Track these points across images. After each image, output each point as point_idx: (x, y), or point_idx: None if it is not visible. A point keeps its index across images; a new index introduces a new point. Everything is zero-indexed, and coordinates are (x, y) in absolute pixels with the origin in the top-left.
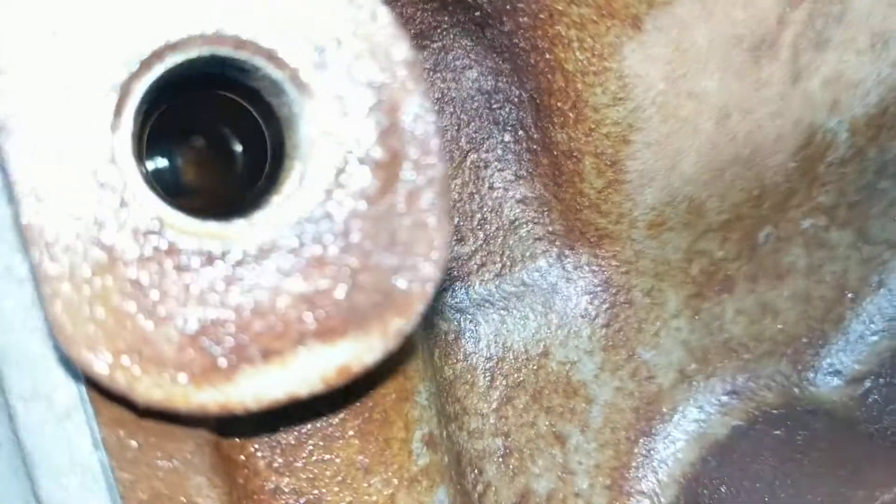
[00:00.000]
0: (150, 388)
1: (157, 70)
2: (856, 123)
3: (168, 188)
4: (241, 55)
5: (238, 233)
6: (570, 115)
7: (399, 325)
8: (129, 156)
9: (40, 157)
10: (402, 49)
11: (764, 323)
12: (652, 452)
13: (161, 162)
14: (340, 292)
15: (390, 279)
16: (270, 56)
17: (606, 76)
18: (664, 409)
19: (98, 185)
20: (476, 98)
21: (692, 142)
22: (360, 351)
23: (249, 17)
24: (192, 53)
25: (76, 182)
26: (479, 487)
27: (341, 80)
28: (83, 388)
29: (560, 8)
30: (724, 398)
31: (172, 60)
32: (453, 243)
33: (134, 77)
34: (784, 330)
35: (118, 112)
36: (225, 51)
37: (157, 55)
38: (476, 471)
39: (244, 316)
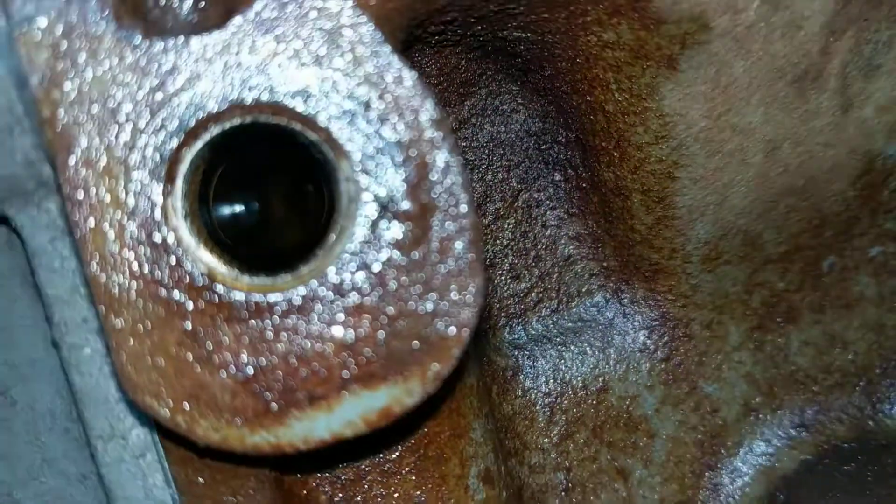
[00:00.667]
0: (208, 431)
1: (204, 137)
2: None
3: (249, 227)
4: (279, 121)
5: (284, 285)
6: (615, 154)
7: (437, 369)
8: (181, 217)
9: (103, 223)
10: (427, 108)
11: (833, 354)
12: (718, 487)
13: (238, 207)
14: (380, 339)
15: (427, 325)
16: (305, 121)
17: (647, 115)
18: (729, 443)
19: (153, 245)
20: (525, 140)
21: (741, 175)
22: (400, 394)
23: (286, 86)
24: (235, 122)
25: (135, 243)
26: None
27: (371, 140)
28: (154, 430)
29: (595, 52)
30: (793, 432)
31: (217, 129)
32: (509, 282)
33: (182, 146)
34: (855, 361)
35: (170, 178)
36: (264, 118)
37: (202, 125)
38: None
39: (291, 363)
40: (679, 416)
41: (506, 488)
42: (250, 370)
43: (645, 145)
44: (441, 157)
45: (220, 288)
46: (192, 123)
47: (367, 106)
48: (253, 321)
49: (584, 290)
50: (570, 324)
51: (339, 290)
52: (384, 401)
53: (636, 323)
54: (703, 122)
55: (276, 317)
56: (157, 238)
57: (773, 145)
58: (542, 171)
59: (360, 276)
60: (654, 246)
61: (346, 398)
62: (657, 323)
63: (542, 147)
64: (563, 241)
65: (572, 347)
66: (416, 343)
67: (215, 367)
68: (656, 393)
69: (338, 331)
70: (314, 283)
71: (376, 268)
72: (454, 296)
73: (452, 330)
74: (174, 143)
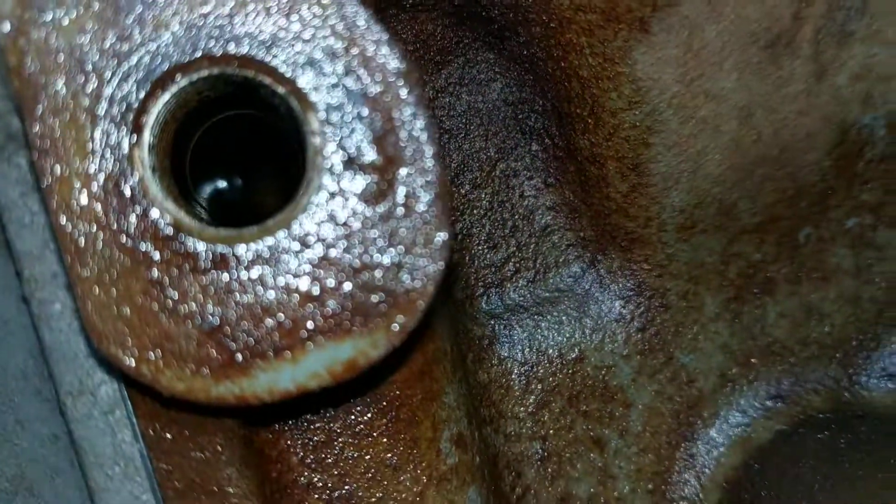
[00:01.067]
0: (172, 381)
1: (172, 89)
2: (893, 119)
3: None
4: (246, 73)
5: (250, 237)
6: (590, 120)
7: (402, 321)
8: (148, 168)
9: (69, 172)
10: (394, 60)
11: (809, 326)
12: (694, 457)
13: (221, 183)
14: (345, 291)
15: (393, 278)
16: (272, 72)
17: (620, 80)
18: (706, 414)
19: (119, 195)
20: (502, 109)
21: (715, 142)
22: (366, 346)
23: (252, 38)
24: (202, 73)
25: (102, 194)
26: (518, 490)
27: (336, 91)
28: (122, 386)
29: (568, 16)
30: (769, 403)
31: (185, 80)
32: (486, 251)
33: (149, 96)
34: (832, 333)
35: (137, 128)
36: (231, 70)
37: (169, 76)
38: (514, 474)
39: (256, 314)
40: (655, 387)
41: (479, 454)
42: (216, 320)
43: (619, 111)
44: (407, 110)
45: (185, 238)
46: (159, 73)
47: (332, 56)
48: (219, 272)
49: (560, 260)
50: (546, 293)
51: (304, 242)
52: (349, 353)
53: (612, 293)
54: (676, 87)
55: (241, 268)
56: (124, 188)
57: (747, 112)
58: (520, 141)
59: (326, 228)
60: (629, 214)
61: (310, 350)
62: (633, 293)
63: (520, 116)
64: (540, 211)
65: (549, 317)
66: (381, 295)
67: (180, 317)
68: (633, 363)
69: (303, 282)
70: (280, 234)
71: (342, 219)
72: (419, 249)
73: (418, 283)
74: (141, 93)
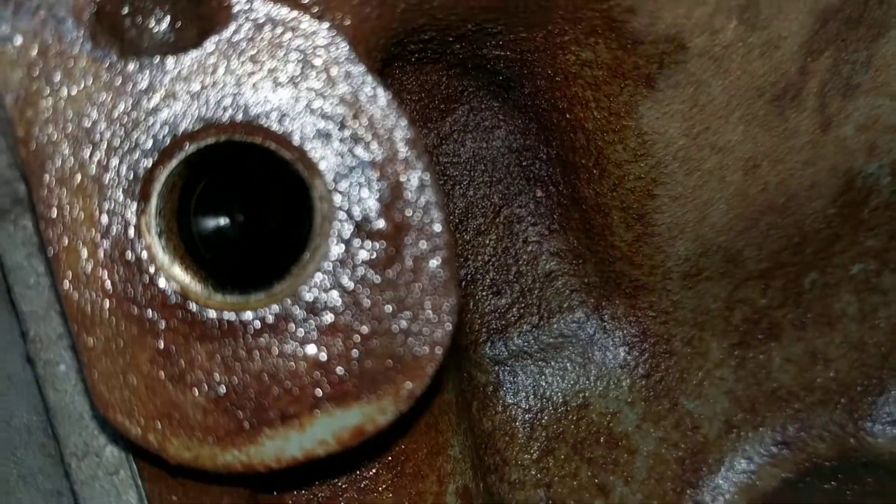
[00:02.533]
0: (179, 450)
1: (179, 156)
2: None
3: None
4: (253, 140)
5: (257, 303)
6: (595, 171)
7: (410, 387)
8: (154, 235)
9: (76, 242)
10: (401, 127)
11: (815, 371)
12: None
13: (223, 219)
14: (353, 357)
15: (401, 344)
16: (279, 140)
17: (625, 133)
18: (710, 460)
19: (126, 263)
20: (506, 156)
21: (721, 193)
22: (373, 413)
23: (260, 106)
24: (209, 141)
25: (108, 262)
26: None
27: (345, 159)
28: (128, 448)
29: (574, 71)
30: (774, 449)
31: (192, 147)
32: (490, 297)
33: (157, 165)
34: (837, 378)
35: (144, 196)
36: (238, 137)
37: (177, 144)
38: None
39: (264, 381)
40: (660, 433)
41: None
42: (223, 389)
43: (624, 163)
44: (415, 176)
45: (192, 306)
46: (167, 143)
47: (341, 125)
48: (225, 340)
49: (564, 305)
50: (550, 339)
51: (312, 309)
52: (357, 419)
53: (617, 339)
54: (682, 140)
55: (248, 335)
56: (130, 256)
57: (753, 163)
58: (524, 188)
59: (334, 295)
60: (634, 263)
61: (318, 417)
62: (638, 339)
63: (524, 163)
64: (544, 257)
65: (553, 363)
66: (389, 362)
67: (187, 386)
68: (637, 409)
69: (311, 349)
70: (287, 301)
71: (350, 286)
72: (428, 314)
73: (426, 349)
74: (148, 162)
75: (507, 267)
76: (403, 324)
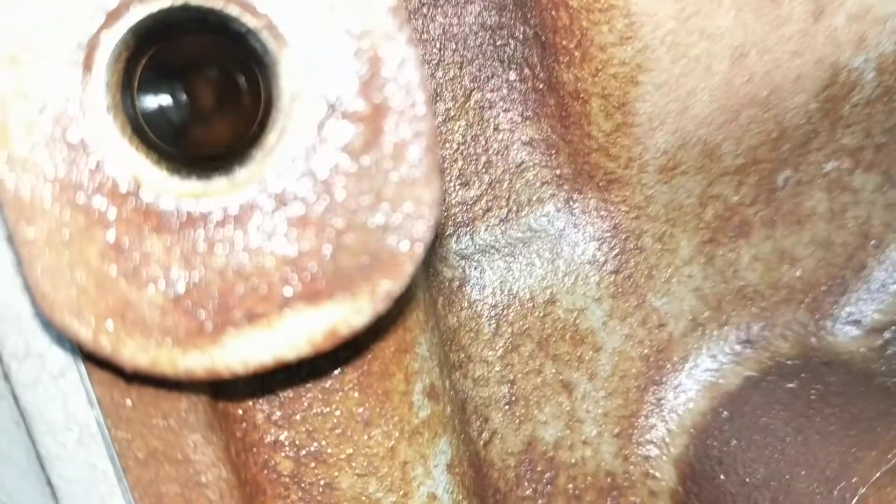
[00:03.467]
0: (135, 353)
1: (128, 21)
2: (884, 61)
3: (178, 122)
4: (213, 4)
5: (219, 191)
6: (576, 54)
7: (387, 286)
8: (102, 111)
9: (7, 118)
10: None
11: (781, 270)
12: (662, 401)
13: (165, 98)
14: (326, 253)
15: (378, 239)
16: (243, 4)
17: (612, 13)
18: (675, 358)
19: (69, 144)
20: (479, 34)
21: (705, 83)
22: (348, 313)
23: None
24: (164, 4)
25: (47, 142)
26: (485, 435)
27: (318, 29)
28: (75, 348)
29: None
30: (738, 347)
31: (142, 11)
32: (458, 189)
33: (101, 29)
34: (802, 277)
35: (87, 66)
36: (196, 1)
37: (124, 6)
38: (481, 419)
39: (228, 278)
40: (626, 330)
41: (450, 403)
42: (182, 286)
43: (609, 46)
44: (396, 51)
45: (146, 194)
46: (114, 4)
47: None
48: (184, 232)
49: (534, 198)
50: (519, 234)
51: (280, 199)
52: (330, 320)
53: (587, 234)
54: (671, 23)
55: (210, 227)
56: (74, 136)
57: (741, 52)
58: (497, 70)
59: (305, 184)
60: (610, 154)
61: (288, 317)
62: (608, 234)
63: (498, 43)
64: (515, 147)
65: (521, 258)
66: (365, 258)
67: (143, 282)
68: (604, 306)
69: (279, 244)
70: (252, 189)
71: (322, 175)
72: (407, 207)
73: (405, 245)
74: (93, 26)
75: (477, 156)
76: (381, 217)
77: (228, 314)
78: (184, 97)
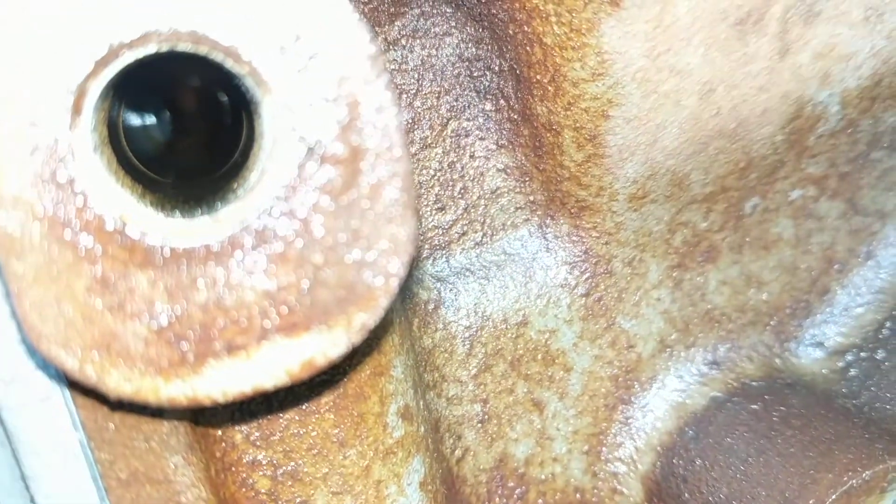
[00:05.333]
0: (119, 382)
1: (116, 66)
2: (847, 95)
3: (162, 138)
4: (199, 50)
5: (202, 229)
6: (549, 88)
7: (363, 319)
8: (89, 152)
9: (4, 160)
10: (363, 42)
11: (748, 293)
12: (630, 420)
13: (149, 117)
14: (304, 287)
15: (354, 274)
16: (228, 52)
17: (585, 51)
18: (643, 378)
19: (58, 184)
20: (457, 65)
21: (674, 117)
22: (324, 345)
23: (207, 13)
24: (150, 50)
25: (37, 182)
26: (458, 452)
27: (300, 76)
28: (61, 374)
29: None
30: (705, 368)
31: (130, 57)
32: (434, 213)
33: (90, 77)
34: (768, 301)
35: (76, 111)
36: (183, 46)
37: (113, 54)
38: (454, 436)
39: (209, 311)
40: (596, 351)
41: (423, 422)
42: (165, 319)
43: (581, 82)
44: (375, 96)
45: (132, 230)
46: (103, 52)
47: (296, 38)
48: (168, 267)
49: (509, 223)
50: (493, 257)
51: (261, 237)
52: (307, 351)
53: (559, 258)
54: (642, 61)
55: (193, 263)
56: (63, 176)
57: (709, 87)
58: (473, 100)
59: (285, 223)
60: (581, 183)
61: (266, 348)
62: (580, 259)
63: (475, 74)
64: (490, 173)
65: (495, 281)
66: (341, 292)
67: (127, 315)
68: (575, 328)
69: (259, 279)
70: (234, 227)
71: (301, 214)
72: (383, 244)
73: (380, 280)
74: (82, 73)
75: (453, 182)
76: (357, 253)
77: (209, 345)
78: (167, 114)
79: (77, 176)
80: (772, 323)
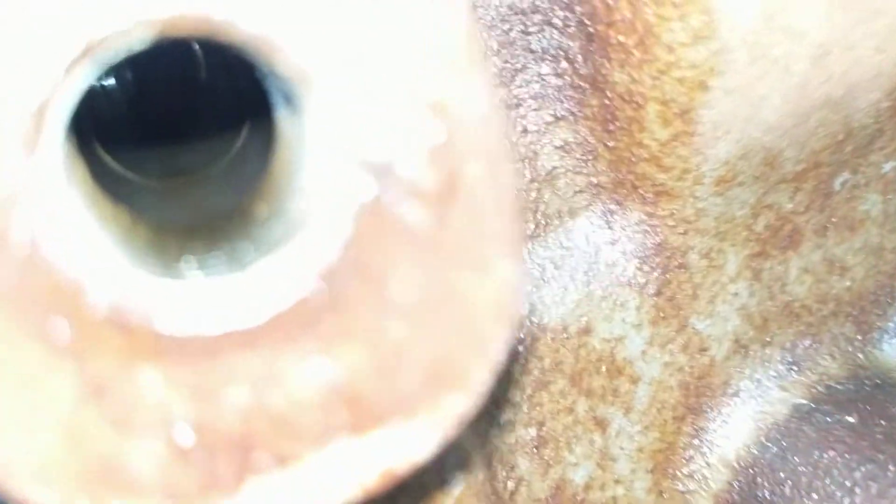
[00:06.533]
0: None
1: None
2: None
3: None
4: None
5: (232, 296)
6: (635, 52)
7: (457, 403)
8: (59, 185)
9: None
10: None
11: (830, 281)
12: (701, 432)
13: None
14: (377, 370)
15: (445, 346)
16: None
17: (688, 9)
18: (716, 384)
19: (16, 244)
20: (508, 19)
21: (781, 85)
22: (406, 444)
23: None
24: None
25: None
26: (510, 484)
27: (371, 74)
28: None
29: None
30: (783, 369)
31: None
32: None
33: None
34: (851, 287)
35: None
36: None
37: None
38: (507, 467)
39: (250, 413)
40: (666, 358)
41: (481, 467)
42: (188, 429)
43: (678, 46)
44: (479, 102)
45: (133, 312)
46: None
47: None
48: (189, 356)
49: (566, 210)
50: (549, 252)
51: (317, 304)
52: (384, 455)
53: (627, 251)
54: (755, 21)
55: (222, 346)
56: (20, 240)
57: (824, 50)
58: (528, 62)
59: (350, 287)
60: (662, 165)
61: (328, 455)
62: (652, 252)
63: (531, 30)
64: (545, 151)
65: (552, 282)
66: (429, 372)
67: (135, 430)
68: (644, 333)
69: (314, 365)
70: (280, 292)
71: (376, 267)
72: (485, 308)
73: (477, 352)
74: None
75: None
76: (450, 320)
77: (249, 459)
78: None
79: (42, 242)
80: (854, 313)
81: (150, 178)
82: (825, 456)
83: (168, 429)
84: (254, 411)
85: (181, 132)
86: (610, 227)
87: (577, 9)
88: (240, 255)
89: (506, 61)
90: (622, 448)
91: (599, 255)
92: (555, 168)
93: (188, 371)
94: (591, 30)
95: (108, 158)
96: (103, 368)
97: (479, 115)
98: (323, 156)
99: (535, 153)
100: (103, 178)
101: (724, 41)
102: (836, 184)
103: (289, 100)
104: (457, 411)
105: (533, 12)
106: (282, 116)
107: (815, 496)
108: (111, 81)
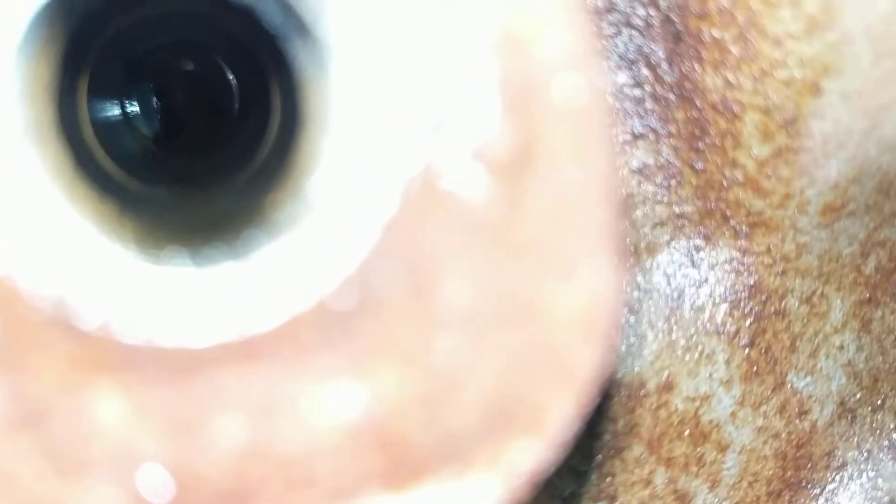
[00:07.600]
0: None
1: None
2: None
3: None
4: None
5: (229, 293)
6: (733, 49)
7: (528, 452)
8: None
9: None
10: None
11: None
12: None
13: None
14: (424, 400)
15: (514, 373)
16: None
17: None
18: (817, 455)
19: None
20: None
21: None
22: (458, 500)
23: None
24: None
25: None
26: None
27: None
28: None
29: None
30: None
31: None
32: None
33: None
34: None
35: None
36: None
37: None
38: None
39: (246, 453)
40: (759, 422)
41: None
42: (159, 475)
43: (787, 38)
44: (575, 38)
45: (88, 313)
46: None
47: None
48: (166, 377)
49: (643, 245)
50: (623, 296)
51: (338, 316)
52: None
53: (716, 295)
54: (883, 5)
55: (210, 367)
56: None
57: None
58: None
59: (389, 287)
60: (761, 189)
61: None
62: (745, 295)
63: (605, 33)
64: (620, 176)
65: (628, 330)
66: (490, 409)
67: (83, 473)
68: (734, 391)
69: (337, 391)
70: (285, 301)
71: (420, 272)
72: (567, 327)
73: (553, 384)
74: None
75: None
76: (519, 340)
77: None
78: (154, 100)
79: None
80: None
81: (158, 188)
82: None
83: (131, 472)
84: (253, 451)
85: (200, 149)
86: (695, 266)
87: (662, 3)
88: (244, 242)
89: None
90: None
91: (683, 298)
92: (631, 196)
93: (162, 393)
94: (678, 27)
95: (110, 165)
96: (43, 387)
97: (571, 61)
98: (356, 112)
99: None
100: (103, 180)
101: (845, 31)
102: None
103: (311, 42)
104: (527, 463)
105: (608, 11)
106: (304, 62)
107: None
108: (135, 108)
